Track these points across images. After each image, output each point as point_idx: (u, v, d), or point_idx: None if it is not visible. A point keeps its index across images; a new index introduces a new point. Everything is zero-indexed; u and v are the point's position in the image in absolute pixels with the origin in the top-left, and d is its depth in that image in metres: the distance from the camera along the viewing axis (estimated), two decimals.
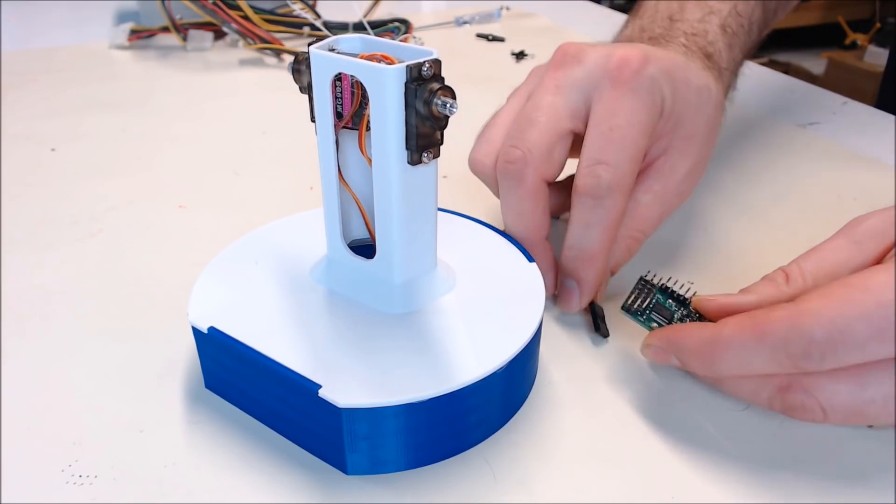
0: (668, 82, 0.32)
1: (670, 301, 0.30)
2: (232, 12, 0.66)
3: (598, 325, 0.32)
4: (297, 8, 0.71)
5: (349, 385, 0.25)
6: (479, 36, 0.76)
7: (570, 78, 0.32)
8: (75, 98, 0.60)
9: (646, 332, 0.30)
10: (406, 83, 0.24)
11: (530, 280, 0.30)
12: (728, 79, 0.38)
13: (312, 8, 0.73)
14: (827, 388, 0.24)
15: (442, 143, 0.26)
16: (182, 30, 0.69)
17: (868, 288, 0.23)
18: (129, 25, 0.71)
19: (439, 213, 0.35)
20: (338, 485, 0.26)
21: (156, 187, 0.46)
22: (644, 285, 0.30)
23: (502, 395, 0.27)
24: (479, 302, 0.29)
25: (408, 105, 0.25)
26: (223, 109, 0.58)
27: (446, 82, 0.25)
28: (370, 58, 0.25)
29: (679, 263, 0.37)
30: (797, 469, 0.26)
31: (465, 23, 0.80)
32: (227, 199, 0.44)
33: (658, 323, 0.30)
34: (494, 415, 0.27)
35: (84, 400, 0.29)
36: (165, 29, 0.70)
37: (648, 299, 0.30)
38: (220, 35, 0.71)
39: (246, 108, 0.58)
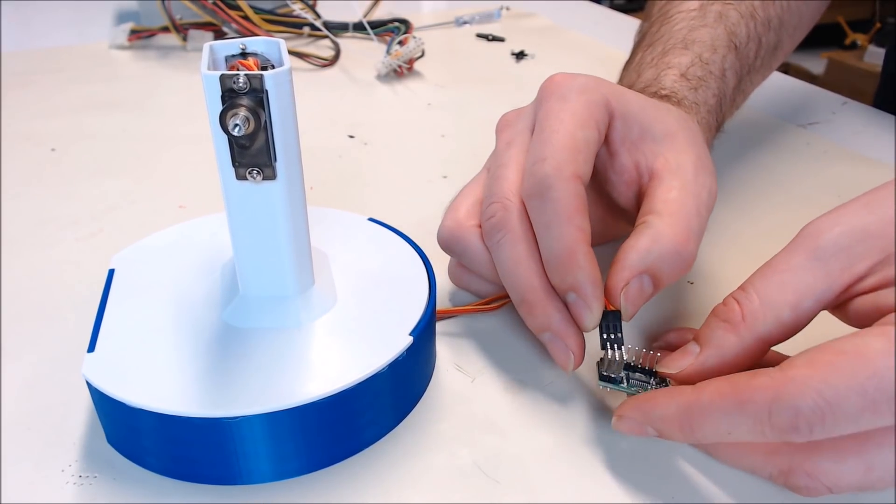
0: (607, 87, 0.31)
1: (640, 375, 0.27)
2: (232, 12, 0.66)
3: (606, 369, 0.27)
4: (297, 8, 0.71)
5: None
6: (479, 36, 0.76)
7: (514, 129, 0.32)
8: (75, 98, 0.60)
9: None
10: (221, 94, 0.23)
11: (417, 293, 0.30)
12: (703, 115, 0.36)
13: (312, 8, 0.73)
14: (831, 471, 0.23)
15: (270, 164, 0.25)
16: (182, 30, 0.69)
17: (861, 355, 0.21)
18: (129, 25, 0.71)
19: (347, 217, 0.35)
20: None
21: (156, 187, 0.46)
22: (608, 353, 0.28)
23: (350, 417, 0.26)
24: (355, 320, 0.28)
25: (219, 118, 0.23)
26: None
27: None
28: (239, 64, 0.25)
29: None
30: None
31: (465, 23, 0.80)
32: None
33: (636, 389, 0.28)
34: (378, 421, 0.27)
35: (84, 399, 0.29)
36: (165, 29, 0.70)
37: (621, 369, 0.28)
38: (220, 35, 0.71)
39: None
